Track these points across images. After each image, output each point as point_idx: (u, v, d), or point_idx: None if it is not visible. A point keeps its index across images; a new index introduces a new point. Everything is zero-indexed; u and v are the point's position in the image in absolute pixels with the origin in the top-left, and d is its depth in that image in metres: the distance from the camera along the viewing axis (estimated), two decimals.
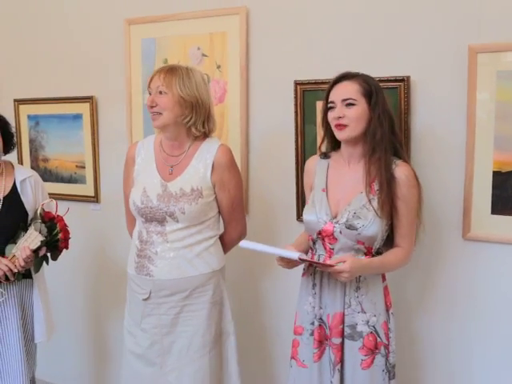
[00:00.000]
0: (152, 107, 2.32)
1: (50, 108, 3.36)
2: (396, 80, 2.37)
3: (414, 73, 2.39)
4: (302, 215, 2.57)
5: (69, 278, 3.43)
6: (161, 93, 2.30)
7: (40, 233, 2.48)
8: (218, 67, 2.82)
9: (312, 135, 2.61)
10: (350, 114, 2.08)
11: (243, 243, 2.15)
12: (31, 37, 3.45)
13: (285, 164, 2.72)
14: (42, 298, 2.67)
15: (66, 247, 2.59)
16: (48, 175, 3.36)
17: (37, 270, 2.57)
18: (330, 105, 2.13)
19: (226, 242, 2.48)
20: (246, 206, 2.81)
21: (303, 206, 2.63)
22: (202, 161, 2.36)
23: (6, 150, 2.67)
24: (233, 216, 2.45)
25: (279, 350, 2.86)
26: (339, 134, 2.11)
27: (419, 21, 2.38)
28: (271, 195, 2.79)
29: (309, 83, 2.57)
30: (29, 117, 3.41)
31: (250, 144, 2.80)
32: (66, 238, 2.56)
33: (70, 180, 3.34)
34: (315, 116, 2.58)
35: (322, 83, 2.48)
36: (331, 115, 2.12)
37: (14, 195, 2.58)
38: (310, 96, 2.58)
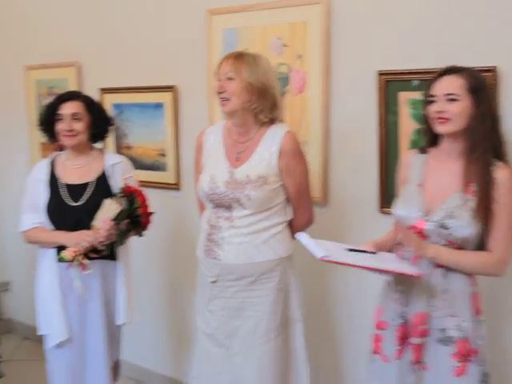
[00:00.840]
0: (220, 93, 2.36)
1: (133, 97, 3.45)
2: (483, 70, 2.30)
3: (501, 63, 2.31)
4: (383, 208, 2.55)
5: (149, 263, 3.54)
6: (229, 79, 2.33)
7: (119, 204, 2.56)
8: (299, 57, 2.81)
9: (395, 126, 2.58)
10: (451, 110, 2.01)
11: (302, 237, 2.12)
12: (115, 27, 3.55)
13: (366, 156, 2.69)
14: (126, 280, 2.76)
15: (148, 222, 2.65)
16: (131, 163, 3.46)
17: (119, 244, 2.63)
18: (431, 98, 2.07)
19: (294, 228, 2.50)
20: (325, 198, 2.81)
21: (385, 199, 2.61)
22: (267, 147, 2.37)
23: (101, 137, 2.81)
24: (300, 202, 2.47)
25: (349, 342, 2.87)
26: (439, 128, 2.06)
27: (509, 10, 2.30)
28: (351, 187, 2.77)
29: (393, 73, 2.53)
30: (114, 105, 3.51)
31: (330, 135, 2.79)
32: (147, 213, 2.63)
33: (152, 167, 3.44)
34: (398, 107, 2.54)
35: (407, 73, 2.45)
36: (432, 109, 2.06)
37: (102, 179, 2.70)
38: (393, 86, 2.54)
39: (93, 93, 3.54)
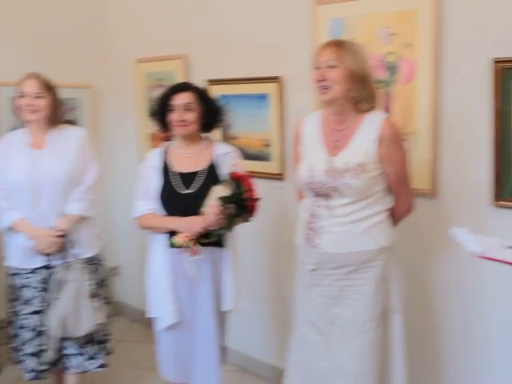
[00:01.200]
0: (320, 81, 2.35)
1: (239, 88, 3.51)
2: None
3: None
4: (497, 201, 2.45)
5: (253, 252, 3.60)
6: (331, 67, 2.32)
7: (227, 190, 2.61)
8: (408, 46, 2.75)
9: (509, 116, 2.47)
10: None
11: (459, 231, 2.04)
12: (222, 19, 3.62)
13: (477, 146, 2.60)
14: (233, 267, 2.82)
15: (254, 207, 2.68)
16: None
17: (228, 229, 2.68)
18: None
19: (394, 216, 2.47)
20: (434, 190, 2.75)
21: (499, 192, 2.51)
22: (365, 135, 2.35)
23: (212, 127, 2.88)
24: (400, 190, 2.43)
25: (449, 333, 2.80)
26: None
27: None
28: (461, 179, 2.69)
29: (509, 61, 2.42)
30: (220, 97, 3.58)
31: (440, 125, 2.71)
32: (253, 198, 2.65)
33: (257, 157, 3.49)
34: None
35: None
36: None
37: (212, 168, 2.78)
38: (509, 74, 2.43)
39: (200, 84, 3.66)
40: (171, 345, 2.82)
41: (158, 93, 3.98)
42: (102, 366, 3.10)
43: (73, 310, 2.87)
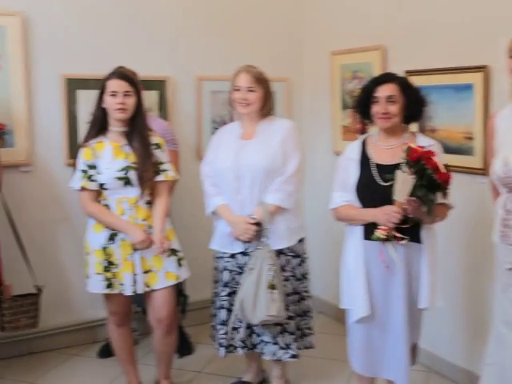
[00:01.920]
0: None
1: (440, 79, 3.36)
2: None
3: None
4: None
5: (448, 249, 3.44)
6: None
7: (411, 175, 2.52)
8: None
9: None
10: None
11: None
12: (420, 8, 3.50)
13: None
14: (430, 264, 2.73)
15: (447, 182, 2.55)
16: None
17: (429, 213, 2.58)
18: None
19: None
20: None
21: None
22: None
23: (414, 118, 2.82)
24: None
25: None
26: None
27: None
28: None
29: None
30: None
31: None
32: (443, 177, 2.52)
33: (457, 151, 3.32)
34: None
35: None
36: None
37: None
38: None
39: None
40: (362, 338, 2.81)
41: (354, 85, 4.01)
42: (293, 356, 3.16)
43: (251, 297, 2.96)
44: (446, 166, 2.58)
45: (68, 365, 3.74)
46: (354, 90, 4.02)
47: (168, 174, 3.09)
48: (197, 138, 4.27)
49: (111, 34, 3.89)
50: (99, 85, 2.99)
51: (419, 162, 2.52)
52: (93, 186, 2.95)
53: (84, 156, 2.98)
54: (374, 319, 2.76)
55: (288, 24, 4.52)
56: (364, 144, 2.85)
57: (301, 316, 3.22)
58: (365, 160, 2.79)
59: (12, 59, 3.62)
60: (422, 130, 3.46)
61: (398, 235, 2.62)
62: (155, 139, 3.09)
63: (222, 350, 3.19)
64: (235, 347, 3.18)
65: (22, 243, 3.42)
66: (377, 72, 3.77)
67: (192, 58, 4.18)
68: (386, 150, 2.77)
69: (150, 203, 3.03)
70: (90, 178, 2.95)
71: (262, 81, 3.09)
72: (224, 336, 3.17)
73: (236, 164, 3.06)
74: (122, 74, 3.01)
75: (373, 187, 2.72)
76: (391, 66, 3.70)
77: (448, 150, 3.32)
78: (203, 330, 4.09)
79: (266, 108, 3.12)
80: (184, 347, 3.83)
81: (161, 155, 3.08)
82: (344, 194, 2.82)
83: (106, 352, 3.79)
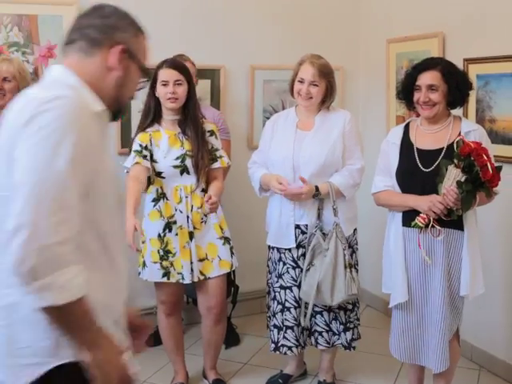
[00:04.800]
0: None
1: (502, 67, 3.22)
2: None
3: None
4: None
5: (493, 237, 3.31)
6: None
7: (459, 169, 2.46)
8: None
9: None
10: None
11: None
12: None
13: None
14: (471, 251, 2.65)
15: (494, 183, 2.48)
16: (493, 136, 3.23)
17: (466, 209, 2.53)
18: None
19: None
20: None
21: None
22: None
23: (459, 103, 2.74)
24: None
25: None
26: None
27: None
28: None
29: None
30: (478, 76, 3.33)
31: None
32: (489, 177, 2.44)
33: None
34: None
35: None
36: None
37: (453, 146, 2.60)
38: None
39: (457, 63, 3.44)
40: (401, 324, 2.79)
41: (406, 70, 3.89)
42: (342, 345, 3.12)
43: (329, 278, 2.92)
44: (497, 168, 2.50)
45: None
46: None
47: (223, 160, 3.10)
48: (248, 127, 4.24)
49: (166, 23, 3.88)
50: (152, 77, 2.98)
51: (469, 158, 2.46)
52: (145, 163, 2.95)
53: (140, 138, 3.00)
54: (412, 306, 2.73)
55: (343, 11, 4.43)
56: (407, 128, 2.80)
57: (350, 308, 3.17)
58: (407, 145, 2.74)
59: None
60: (481, 120, 3.34)
61: (437, 226, 2.58)
62: (209, 126, 3.09)
63: (271, 345, 3.17)
64: (289, 347, 3.11)
65: None
66: None
67: (245, 47, 4.14)
68: (429, 134, 2.72)
69: (205, 191, 3.03)
70: (144, 158, 2.96)
71: (326, 74, 3.01)
72: (274, 329, 3.15)
73: (294, 155, 3.02)
74: (172, 62, 3.01)
75: (413, 173, 2.68)
76: (449, 54, 3.56)
77: (507, 141, 3.20)
78: (250, 321, 4.10)
79: (327, 99, 3.07)
80: (230, 338, 3.82)
81: (215, 142, 3.08)
82: (385, 179, 2.79)
83: (154, 340, 3.82)
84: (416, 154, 2.69)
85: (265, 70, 4.19)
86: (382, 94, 4.23)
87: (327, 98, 3.05)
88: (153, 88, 2.98)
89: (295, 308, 3.07)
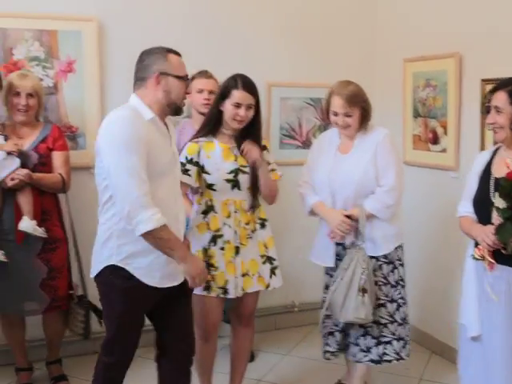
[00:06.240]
0: None
1: None
2: None
3: None
4: None
5: None
6: None
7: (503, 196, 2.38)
8: None
9: None
10: None
11: None
12: (496, 14, 3.36)
13: None
14: None
15: None
16: None
17: (504, 239, 2.38)
18: None
19: None
20: None
21: None
22: None
23: None
24: None
25: None
26: None
27: None
28: None
29: None
30: None
31: None
32: None
33: None
34: None
35: None
36: None
37: None
38: None
39: (474, 84, 3.45)
40: (471, 358, 2.69)
41: (427, 93, 3.90)
42: (372, 361, 3.12)
43: (341, 297, 2.98)
44: None
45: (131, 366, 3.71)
46: (427, 99, 3.92)
47: (276, 173, 3.11)
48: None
49: (184, 37, 3.91)
50: (221, 87, 2.99)
51: (509, 184, 2.37)
52: (185, 179, 2.95)
53: (187, 150, 3.01)
54: (481, 339, 2.62)
55: (360, 30, 4.45)
56: (494, 153, 2.67)
57: (401, 324, 3.14)
58: (487, 172, 2.63)
59: (86, 63, 3.72)
60: None
61: (490, 259, 2.48)
62: (263, 142, 3.08)
63: (324, 354, 3.26)
64: (331, 352, 3.23)
65: (77, 245, 3.41)
66: (451, 80, 3.67)
67: (262, 64, 4.16)
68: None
69: (253, 207, 3.02)
70: (185, 172, 2.97)
71: (356, 102, 3.03)
72: (324, 337, 3.26)
73: (330, 180, 3.08)
74: (248, 86, 2.93)
75: (485, 202, 2.55)
76: (467, 75, 3.58)
77: None
78: (263, 338, 4.08)
79: (364, 122, 3.10)
80: None
81: (267, 156, 3.08)
82: (467, 204, 2.72)
83: None
84: (491, 182, 2.57)
85: (281, 87, 4.21)
86: (398, 113, 4.23)
87: (364, 121, 3.08)
88: (220, 100, 2.95)
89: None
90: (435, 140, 3.90)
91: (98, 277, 2.54)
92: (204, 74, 3.60)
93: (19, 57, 3.59)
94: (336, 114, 3.05)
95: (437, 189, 3.90)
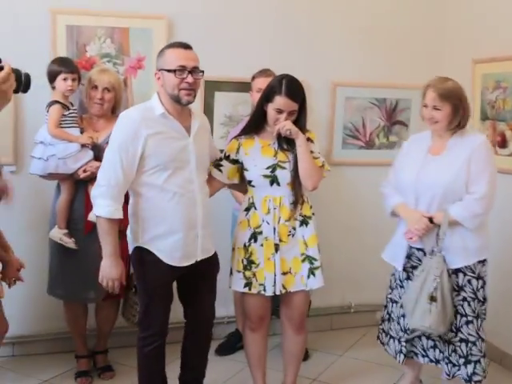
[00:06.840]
0: None
1: None
2: None
3: None
4: None
5: None
6: None
7: None
8: None
9: None
10: None
11: None
12: None
13: None
14: None
15: None
16: None
17: None
18: None
19: None
20: None
21: None
22: None
23: None
24: None
25: None
26: None
27: None
28: None
29: None
30: None
31: None
32: None
33: None
34: None
35: None
36: None
37: None
38: None
39: None
40: None
41: (497, 95, 3.80)
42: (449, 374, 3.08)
43: (412, 302, 2.96)
44: None
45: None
46: (496, 101, 3.82)
47: (319, 160, 3.04)
48: (327, 143, 4.24)
49: (249, 37, 3.96)
50: (266, 87, 2.97)
51: None
52: (216, 173, 3.02)
53: (227, 147, 3.08)
54: None
55: (428, 30, 4.38)
56: None
57: (483, 340, 3.05)
58: None
59: (155, 60, 3.79)
60: None
61: None
62: (307, 134, 3.03)
63: (396, 356, 3.24)
64: (403, 353, 3.19)
65: None
66: None
67: (328, 63, 4.16)
68: None
69: (294, 203, 2.99)
70: (217, 167, 3.03)
71: (450, 97, 2.95)
72: (390, 341, 3.27)
73: (417, 180, 3.02)
74: (292, 92, 2.90)
75: None
76: None
77: None
78: (320, 338, 4.10)
79: (455, 123, 3.00)
80: None
81: (312, 147, 3.02)
82: None
83: (224, 350, 3.87)
84: None
85: (347, 86, 4.20)
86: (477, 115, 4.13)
87: (454, 120, 2.98)
88: (264, 102, 2.95)
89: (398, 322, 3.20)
90: (503, 143, 3.80)
91: (131, 255, 2.87)
92: (264, 72, 3.60)
93: (92, 53, 3.70)
94: (426, 106, 3.01)
95: (504, 194, 3.79)
